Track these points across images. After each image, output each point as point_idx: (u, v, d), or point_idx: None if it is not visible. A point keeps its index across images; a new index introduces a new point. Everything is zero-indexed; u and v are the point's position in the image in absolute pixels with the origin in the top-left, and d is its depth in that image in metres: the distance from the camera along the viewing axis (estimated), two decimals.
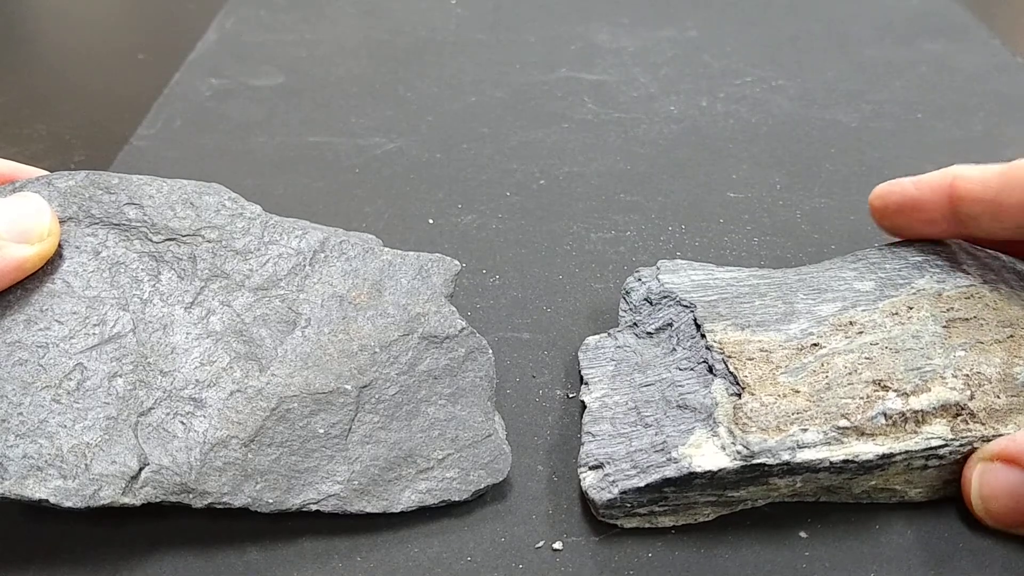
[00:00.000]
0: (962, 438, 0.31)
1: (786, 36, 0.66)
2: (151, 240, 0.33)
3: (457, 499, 0.32)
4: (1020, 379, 0.32)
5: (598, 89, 0.59)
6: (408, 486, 0.32)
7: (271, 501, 0.31)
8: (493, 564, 0.31)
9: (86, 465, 0.29)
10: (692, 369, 0.34)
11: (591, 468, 0.32)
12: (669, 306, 0.36)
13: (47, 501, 0.29)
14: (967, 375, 0.32)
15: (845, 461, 0.30)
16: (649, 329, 0.37)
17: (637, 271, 0.39)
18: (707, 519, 0.32)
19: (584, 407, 0.35)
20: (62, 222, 0.33)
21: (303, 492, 0.31)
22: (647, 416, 0.33)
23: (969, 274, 0.36)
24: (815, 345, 0.33)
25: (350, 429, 0.32)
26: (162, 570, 0.31)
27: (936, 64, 0.62)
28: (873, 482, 0.31)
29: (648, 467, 0.31)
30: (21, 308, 0.31)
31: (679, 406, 0.32)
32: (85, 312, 0.32)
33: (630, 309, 0.38)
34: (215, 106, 0.58)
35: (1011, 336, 0.33)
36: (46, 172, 0.34)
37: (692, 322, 0.35)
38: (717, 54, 0.64)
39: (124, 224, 0.33)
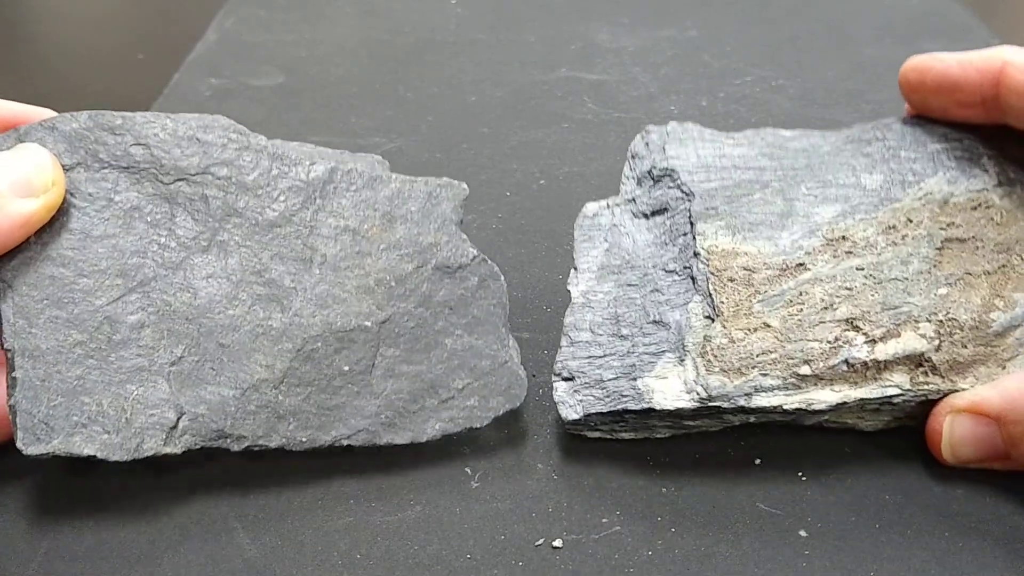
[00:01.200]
0: (919, 390, 0.32)
1: (786, 36, 0.66)
2: (161, 182, 0.33)
3: (477, 425, 0.34)
4: (993, 327, 0.32)
5: (598, 89, 0.59)
6: (432, 416, 0.34)
7: (304, 440, 0.33)
8: (493, 562, 0.31)
9: (126, 419, 0.31)
10: (677, 273, 0.34)
11: (564, 379, 0.34)
12: (669, 187, 0.36)
13: (95, 456, 0.30)
14: (940, 321, 0.32)
15: (798, 409, 0.32)
16: (646, 210, 0.36)
17: (647, 130, 0.38)
18: (662, 436, 0.34)
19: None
20: (70, 168, 0.32)
21: (334, 428, 0.33)
22: (624, 328, 0.34)
23: (987, 172, 0.35)
24: (800, 266, 0.33)
25: (373, 364, 0.33)
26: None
27: None
28: (825, 416, 0.33)
29: (613, 394, 0.33)
30: (43, 264, 0.31)
31: (655, 321, 0.33)
32: (106, 263, 0.32)
33: (632, 178, 0.38)
34: (215, 106, 0.58)
35: (1002, 266, 0.33)
36: (51, 112, 0.34)
37: (687, 217, 0.35)
38: (717, 54, 0.64)
39: (133, 167, 0.33)
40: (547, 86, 0.60)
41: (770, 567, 0.31)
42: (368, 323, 0.33)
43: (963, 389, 0.32)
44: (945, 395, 0.32)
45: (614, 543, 0.31)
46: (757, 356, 0.32)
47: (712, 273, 0.33)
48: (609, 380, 0.33)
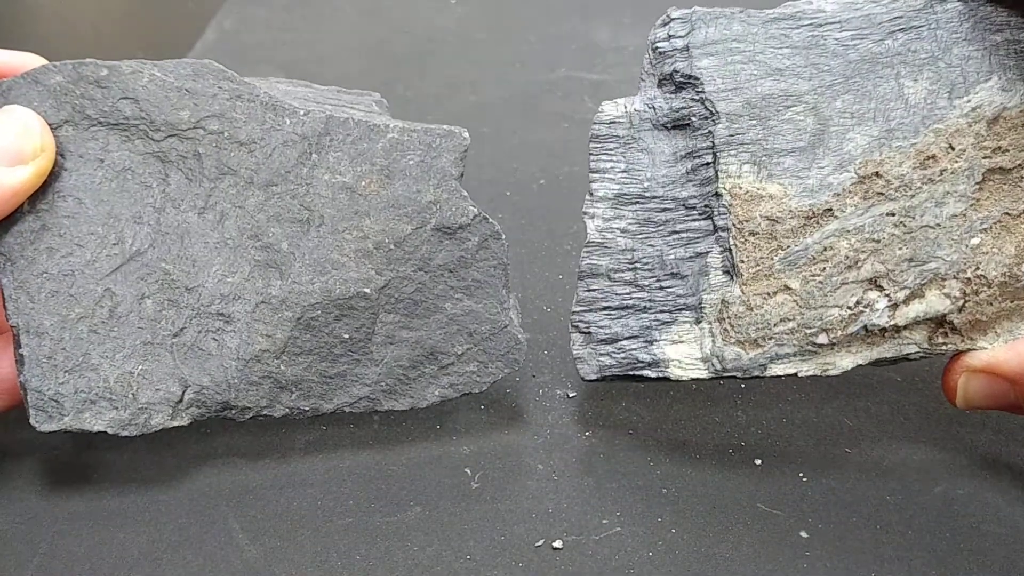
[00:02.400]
0: (936, 348, 0.32)
1: None
2: (152, 139, 0.32)
3: (476, 391, 0.34)
4: (1023, 280, 0.31)
5: (598, 89, 0.59)
6: (432, 382, 0.34)
7: (307, 408, 0.33)
8: (493, 563, 0.31)
9: (133, 395, 0.31)
10: (697, 210, 0.33)
11: (581, 332, 0.34)
12: (692, 100, 0.33)
13: (106, 433, 0.31)
14: (968, 279, 0.31)
15: (813, 376, 0.32)
16: (666, 120, 0.33)
17: (669, 14, 0.34)
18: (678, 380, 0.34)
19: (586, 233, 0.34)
20: (58, 127, 0.31)
21: (336, 396, 0.33)
22: (641, 277, 0.33)
23: None
24: (827, 212, 0.31)
25: (373, 331, 0.33)
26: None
27: None
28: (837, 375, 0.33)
29: (630, 357, 0.33)
30: (40, 235, 0.31)
31: (672, 273, 0.33)
32: (102, 231, 0.32)
33: (653, 75, 0.34)
34: None
35: None
36: (34, 58, 0.33)
37: (711, 143, 0.32)
38: None
39: (122, 123, 0.32)
40: (547, 86, 0.60)
41: (771, 568, 0.31)
42: (367, 290, 0.33)
43: (982, 347, 0.32)
44: (963, 350, 0.32)
45: (614, 544, 0.31)
46: (775, 325, 0.31)
47: (734, 225, 0.32)
48: (625, 339, 0.33)
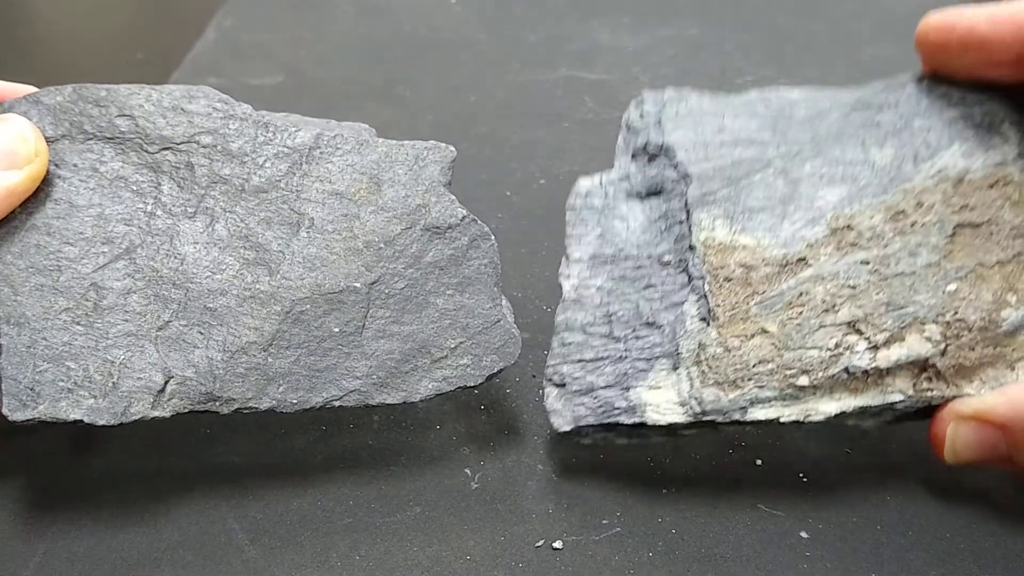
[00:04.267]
0: (922, 397, 0.31)
1: (786, 36, 0.66)
2: (147, 151, 0.33)
3: (471, 384, 0.34)
4: (1003, 326, 0.31)
5: (598, 89, 0.59)
6: (425, 376, 0.33)
7: (295, 401, 0.32)
8: (493, 563, 0.31)
9: (113, 384, 0.31)
10: (672, 265, 0.33)
11: (555, 384, 0.33)
12: (665, 168, 0.34)
13: (81, 421, 0.30)
14: (948, 323, 0.31)
15: (795, 422, 0.31)
16: (640, 189, 0.35)
17: (642, 97, 0.36)
18: (658, 439, 0.34)
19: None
20: (55, 140, 0.32)
21: (325, 390, 0.33)
22: (616, 329, 0.33)
23: (1007, 141, 0.33)
24: (801, 260, 0.32)
25: (363, 326, 0.33)
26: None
27: None
28: (822, 422, 0.32)
29: (605, 405, 0.32)
30: (30, 233, 0.32)
31: (648, 323, 0.33)
32: (92, 231, 0.32)
33: (627, 152, 0.36)
34: None
35: (1018, 254, 0.32)
36: (34, 89, 0.34)
37: (683, 203, 0.33)
38: (717, 53, 0.64)
39: (118, 137, 0.33)
40: (547, 86, 0.60)
41: (771, 568, 0.30)
42: (357, 284, 0.33)
43: (968, 395, 0.31)
44: (949, 399, 0.31)
45: (614, 544, 0.31)
46: (753, 367, 0.31)
47: (709, 272, 0.32)
48: (601, 388, 0.32)
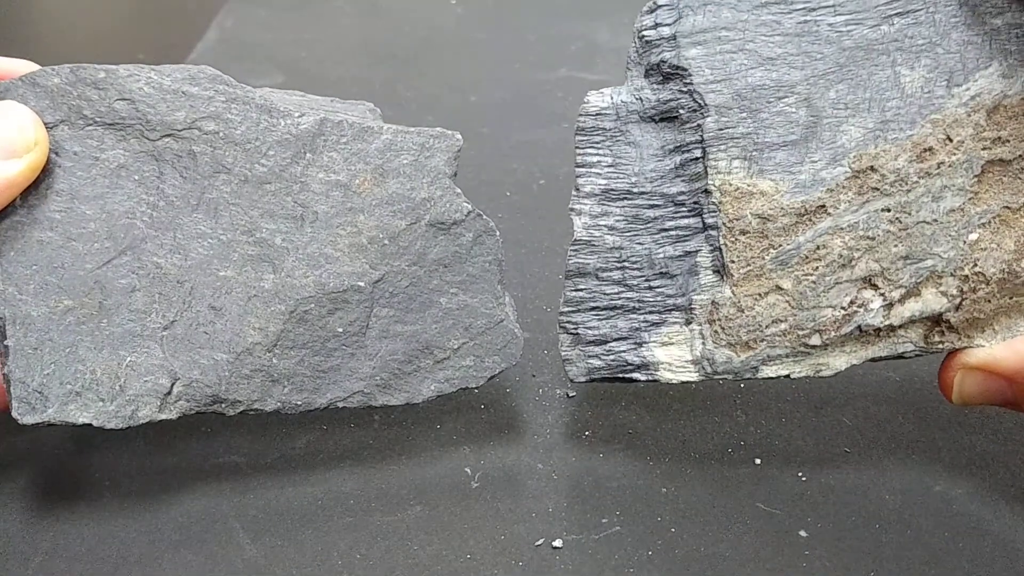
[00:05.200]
0: (933, 348, 0.31)
1: None
2: (148, 138, 0.32)
3: (473, 385, 0.34)
4: (1023, 277, 0.30)
5: (598, 89, 0.59)
6: (427, 376, 0.34)
7: (299, 403, 0.33)
8: (493, 561, 0.31)
9: (120, 387, 0.31)
10: (686, 206, 0.32)
11: (569, 332, 0.33)
12: (680, 92, 0.32)
13: (91, 425, 0.30)
14: (965, 276, 0.31)
15: (805, 376, 0.31)
16: (653, 112, 0.33)
17: (654, 5, 0.32)
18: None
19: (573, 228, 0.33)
20: (54, 126, 0.31)
21: (329, 391, 0.33)
22: (629, 276, 0.33)
23: None
24: (820, 209, 0.31)
25: (367, 325, 0.33)
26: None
27: None
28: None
29: (619, 360, 0.33)
30: (32, 228, 0.31)
31: (661, 272, 0.32)
32: (94, 226, 0.32)
33: (639, 64, 0.33)
34: None
35: None
36: (31, 64, 0.33)
37: (699, 138, 0.31)
38: None
39: (118, 123, 0.32)
40: (547, 86, 0.60)
41: (770, 567, 0.31)
42: (361, 283, 0.33)
43: (979, 345, 0.31)
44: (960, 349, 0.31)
45: (614, 543, 0.31)
46: (766, 327, 0.31)
47: (724, 224, 0.31)
48: (614, 340, 0.33)
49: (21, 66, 0.33)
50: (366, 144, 0.33)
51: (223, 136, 0.32)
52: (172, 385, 0.31)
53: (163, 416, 0.31)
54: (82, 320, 0.31)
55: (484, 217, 0.34)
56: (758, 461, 0.34)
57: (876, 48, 0.31)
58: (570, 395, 0.37)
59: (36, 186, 0.31)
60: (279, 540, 0.32)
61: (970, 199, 0.31)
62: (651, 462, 0.34)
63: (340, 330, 0.33)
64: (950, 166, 0.30)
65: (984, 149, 0.30)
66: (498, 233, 0.34)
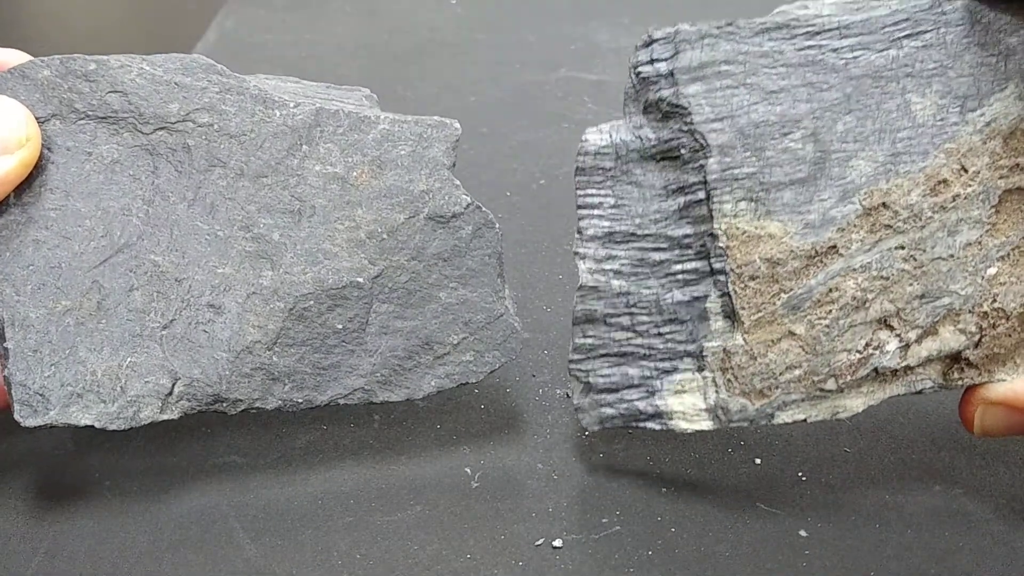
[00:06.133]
0: (952, 384, 0.31)
1: None
2: (141, 132, 0.32)
3: (473, 380, 0.34)
4: None
5: (598, 89, 0.59)
6: (428, 372, 0.34)
7: (300, 400, 0.33)
8: (493, 561, 0.31)
9: (121, 388, 0.31)
10: (692, 248, 0.31)
11: (581, 381, 0.32)
12: (681, 131, 0.30)
13: (93, 426, 0.30)
14: (984, 313, 0.30)
15: (822, 420, 0.31)
16: (654, 151, 0.31)
17: (650, 35, 0.30)
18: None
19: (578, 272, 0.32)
20: (46, 120, 0.31)
21: (330, 388, 0.33)
22: (638, 323, 0.31)
23: None
24: (832, 249, 0.29)
25: (367, 322, 0.33)
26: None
27: None
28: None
29: (632, 409, 0.32)
30: (26, 228, 0.31)
31: (670, 319, 0.31)
32: (90, 224, 0.31)
33: (637, 101, 0.31)
34: None
35: None
36: (22, 55, 0.32)
37: (702, 178, 0.30)
38: None
39: (110, 116, 0.31)
40: (547, 86, 0.60)
41: (770, 567, 0.31)
42: (360, 279, 0.33)
43: (1001, 380, 0.30)
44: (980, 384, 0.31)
45: (614, 543, 0.31)
46: (780, 375, 0.30)
47: (732, 270, 0.30)
48: (626, 388, 0.32)
49: (13, 56, 0.33)
50: (363, 135, 0.33)
51: (218, 129, 0.32)
52: (173, 385, 0.31)
53: (165, 416, 0.31)
54: (81, 320, 0.31)
55: (483, 209, 0.34)
56: (758, 461, 0.34)
57: (884, 75, 0.30)
58: (570, 395, 0.37)
59: (29, 183, 0.31)
60: (279, 540, 0.32)
61: (987, 231, 0.29)
62: (651, 462, 0.34)
63: (340, 327, 0.33)
64: (966, 198, 0.29)
65: (1001, 178, 0.29)
66: (497, 225, 0.34)
